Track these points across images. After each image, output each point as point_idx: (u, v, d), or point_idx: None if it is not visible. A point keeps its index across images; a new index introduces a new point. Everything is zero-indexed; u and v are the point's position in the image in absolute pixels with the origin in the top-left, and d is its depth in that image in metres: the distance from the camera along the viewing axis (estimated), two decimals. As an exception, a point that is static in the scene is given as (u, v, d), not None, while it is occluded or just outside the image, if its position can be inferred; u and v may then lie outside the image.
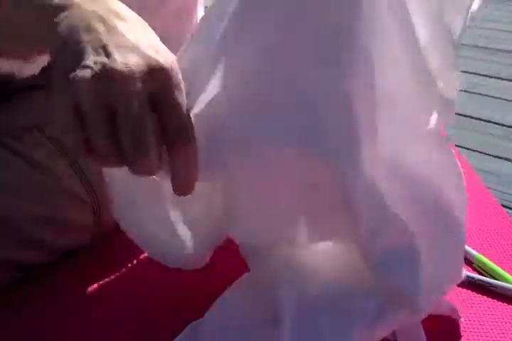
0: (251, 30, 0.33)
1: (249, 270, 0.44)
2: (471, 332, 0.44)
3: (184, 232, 0.42)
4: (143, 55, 0.29)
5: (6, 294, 0.47)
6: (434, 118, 0.38)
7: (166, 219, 0.41)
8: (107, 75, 0.28)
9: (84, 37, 0.30)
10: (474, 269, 0.51)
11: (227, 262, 0.52)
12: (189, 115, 0.31)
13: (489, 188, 0.67)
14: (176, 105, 0.30)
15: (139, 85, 0.29)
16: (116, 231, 0.46)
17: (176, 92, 0.30)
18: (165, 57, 0.30)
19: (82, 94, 0.28)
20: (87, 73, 0.28)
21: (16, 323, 0.45)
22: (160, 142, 0.30)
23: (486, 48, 1.42)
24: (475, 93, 1.07)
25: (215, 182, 0.37)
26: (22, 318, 0.45)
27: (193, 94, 0.33)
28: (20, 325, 0.45)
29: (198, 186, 0.33)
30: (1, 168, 0.45)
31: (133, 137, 0.29)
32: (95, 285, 0.49)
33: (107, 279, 0.50)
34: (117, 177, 0.40)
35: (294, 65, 0.33)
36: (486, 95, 1.05)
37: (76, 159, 0.47)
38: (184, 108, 0.31)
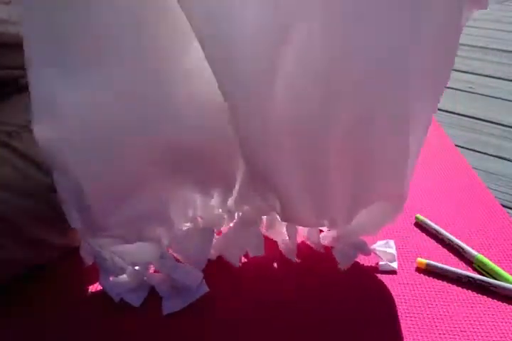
0: None
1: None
2: (471, 332, 0.44)
3: None
4: None
5: (6, 294, 0.47)
6: None
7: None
8: None
9: None
10: (474, 269, 0.51)
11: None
12: None
13: (489, 188, 0.67)
14: None
15: None
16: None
17: None
18: None
19: None
20: None
21: (16, 323, 0.45)
22: None
23: (486, 48, 1.42)
24: (475, 93, 1.07)
25: None
26: (22, 318, 0.45)
27: None
28: (20, 325, 0.45)
29: None
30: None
31: None
32: (95, 285, 0.49)
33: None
34: None
35: None
36: (486, 95, 1.05)
37: None
38: None
